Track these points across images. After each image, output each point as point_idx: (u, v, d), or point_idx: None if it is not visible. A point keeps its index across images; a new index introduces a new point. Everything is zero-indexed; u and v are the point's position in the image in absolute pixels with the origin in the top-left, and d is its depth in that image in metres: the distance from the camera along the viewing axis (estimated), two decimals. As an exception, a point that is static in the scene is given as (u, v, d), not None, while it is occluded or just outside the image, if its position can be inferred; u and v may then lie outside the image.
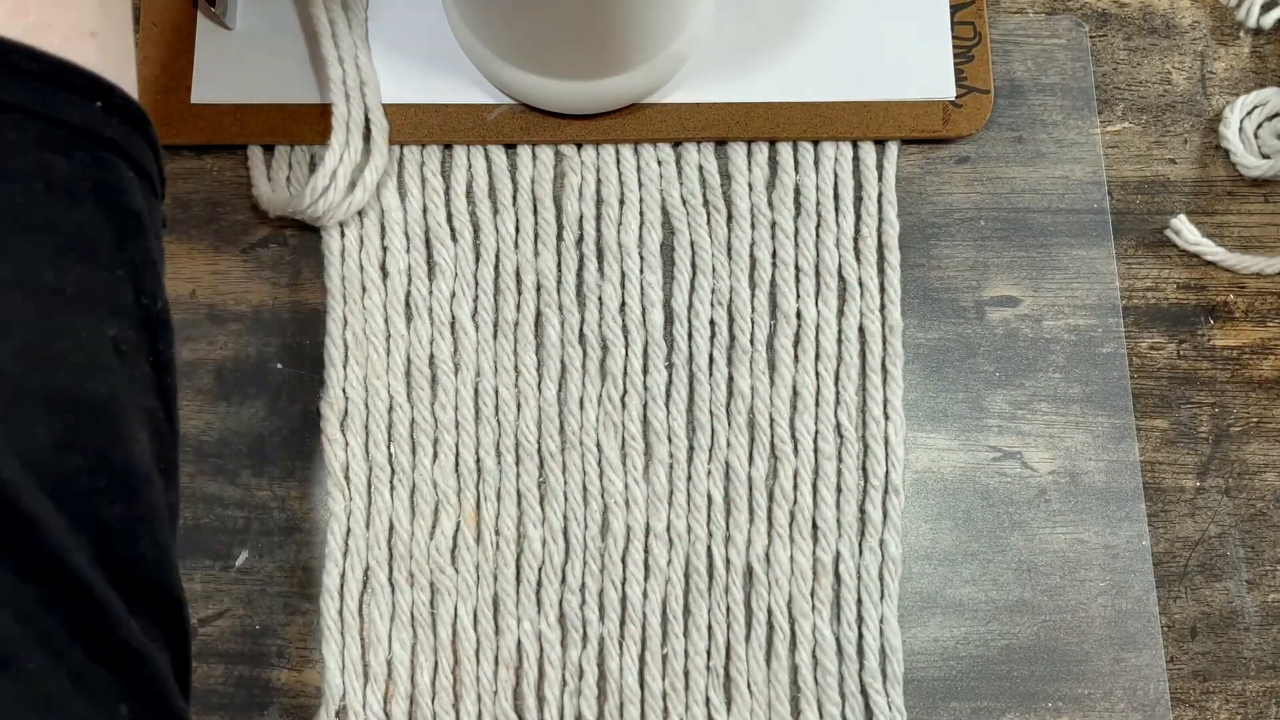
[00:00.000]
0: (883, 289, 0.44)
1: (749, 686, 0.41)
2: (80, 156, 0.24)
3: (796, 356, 0.44)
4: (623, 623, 0.42)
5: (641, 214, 0.45)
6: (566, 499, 0.43)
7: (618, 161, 0.45)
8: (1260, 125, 0.46)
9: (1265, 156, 0.45)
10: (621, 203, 0.45)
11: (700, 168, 0.45)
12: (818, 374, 0.44)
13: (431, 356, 0.44)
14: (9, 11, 0.24)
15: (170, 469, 0.26)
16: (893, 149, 0.45)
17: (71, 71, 0.25)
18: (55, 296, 0.23)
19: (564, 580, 0.42)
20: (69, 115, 0.24)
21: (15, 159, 0.23)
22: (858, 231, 0.45)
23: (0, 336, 0.21)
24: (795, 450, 0.43)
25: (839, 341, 0.44)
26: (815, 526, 0.42)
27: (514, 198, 0.45)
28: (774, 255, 0.45)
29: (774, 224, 0.45)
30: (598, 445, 0.43)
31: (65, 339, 0.23)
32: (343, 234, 0.44)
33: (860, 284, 0.44)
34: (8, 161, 0.23)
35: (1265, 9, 0.47)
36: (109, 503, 0.23)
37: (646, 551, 0.42)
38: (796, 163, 0.45)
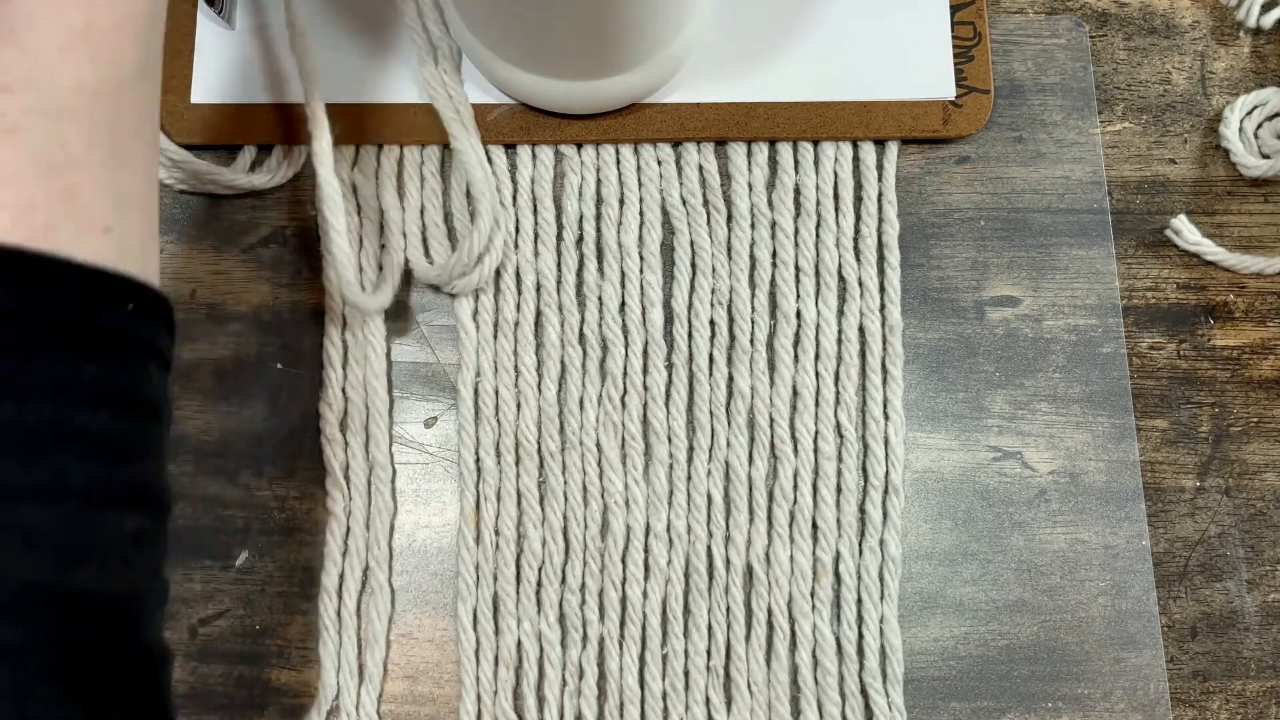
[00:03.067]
0: (883, 289, 0.44)
1: (749, 686, 0.41)
2: (110, 359, 0.25)
3: (796, 356, 0.44)
4: (623, 623, 0.42)
5: (641, 214, 0.45)
6: (566, 499, 0.43)
7: (618, 161, 0.45)
8: (1260, 125, 0.46)
9: (1265, 156, 0.45)
10: (621, 203, 0.45)
11: (700, 168, 0.45)
12: (818, 374, 0.44)
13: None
14: (15, 215, 0.25)
15: (161, 628, 0.28)
16: (893, 149, 0.45)
17: (106, 277, 0.26)
18: (81, 501, 0.24)
19: (564, 580, 0.42)
20: (103, 321, 0.25)
21: (50, 367, 0.24)
22: (858, 231, 0.45)
23: (32, 546, 0.23)
24: (795, 450, 0.43)
25: (839, 341, 0.44)
26: (815, 526, 0.42)
27: (514, 198, 0.45)
28: (774, 255, 0.45)
29: (774, 224, 0.45)
30: (598, 445, 0.43)
31: (91, 541, 0.24)
32: (343, 234, 0.44)
33: (860, 284, 0.44)
34: (43, 370, 0.24)
35: (1265, 9, 0.47)
36: (137, 686, 0.25)
37: (646, 551, 0.42)
38: (796, 163, 0.45)
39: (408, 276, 0.45)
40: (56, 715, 0.23)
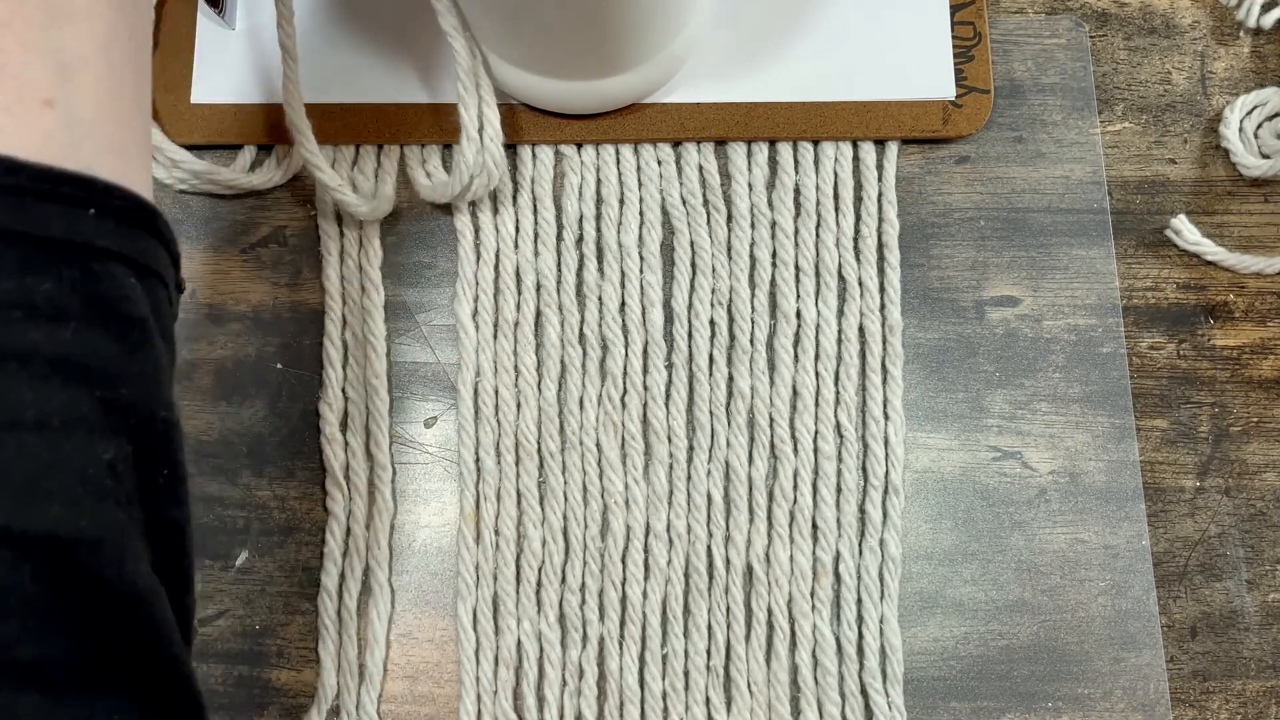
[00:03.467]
0: (883, 289, 0.44)
1: (749, 686, 0.41)
2: (68, 273, 0.22)
3: (796, 356, 0.44)
4: (623, 623, 0.42)
5: (641, 214, 0.45)
6: (566, 499, 0.43)
7: (618, 161, 0.45)
8: (1260, 125, 0.46)
9: (1265, 156, 0.45)
10: (621, 203, 0.45)
11: (700, 168, 0.45)
12: (818, 374, 0.44)
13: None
14: None
15: (180, 574, 0.25)
16: (893, 149, 0.45)
17: (57, 179, 0.22)
18: (39, 432, 0.21)
19: (564, 580, 0.42)
20: (53, 230, 0.22)
21: None
22: (858, 231, 0.45)
23: None
24: (795, 450, 0.43)
25: (839, 341, 0.44)
26: (815, 526, 0.42)
27: (514, 198, 0.45)
28: (774, 255, 0.45)
29: (774, 224, 0.45)
30: (598, 445, 0.43)
31: (53, 478, 0.21)
32: (342, 234, 0.44)
33: (860, 284, 0.44)
34: None
35: (1265, 9, 0.47)
36: (119, 625, 0.22)
37: (646, 551, 0.42)
38: (796, 163, 0.45)
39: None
40: (27, 651, 0.20)
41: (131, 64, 0.26)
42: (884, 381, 0.43)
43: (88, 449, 0.22)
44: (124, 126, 0.25)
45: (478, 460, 0.43)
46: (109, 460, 0.22)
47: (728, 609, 0.42)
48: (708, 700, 0.41)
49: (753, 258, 0.45)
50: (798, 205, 0.45)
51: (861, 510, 0.43)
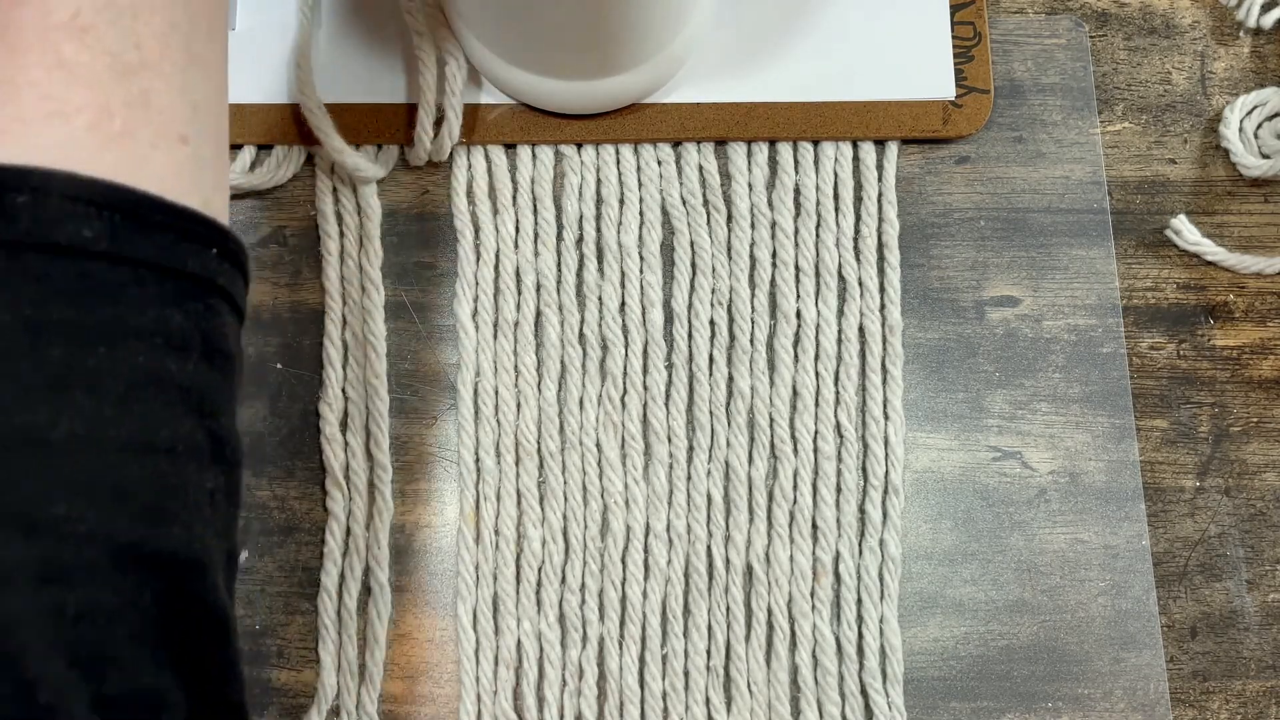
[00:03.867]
0: (883, 289, 0.44)
1: (749, 686, 0.41)
2: (194, 306, 0.24)
3: (796, 356, 0.44)
4: (623, 623, 0.42)
5: (641, 214, 0.45)
6: (566, 499, 0.43)
7: (618, 161, 0.45)
8: (1260, 125, 0.46)
9: (1265, 156, 0.45)
10: (621, 203, 0.45)
11: (700, 168, 0.45)
12: (818, 374, 0.44)
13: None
14: (91, 118, 0.24)
15: (234, 592, 0.26)
16: (893, 149, 0.45)
17: (194, 220, 0.25)
18: (169, 456, 0.23)
19: (564, 580, 0.42)
20: (191, 267, 0.24)
21: (138, 315, 0.23)
22: (858, 231, 0.45)
23: (119, 505, 0.22)
24: (795, 450, 0.43)
25: (839, 341, 0.44)
26: (815, 526, 0.42)
27: (514, 198, 0.45)
28: (774, 255, 0.45)
29: (774, 224, 0.45)
30: (598, 445, 0.43)
31: (176, 499, 0.23)
32: (342, 234, 0.44)
33: (860, 284, 0.44)
34: (130, 318, 0.23)
35: (1265, 9, 0.47)
36: (210, 650, 0.23)
37: (646, 551, 0.42)
38: (796, 163, 0.45)
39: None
40: (145, 682, 0.22)
41: (226, 109, 0.28)
42: (884, 381, 0.43)
43: (200, 477, 0.24)
44: (226, 165, 0.28)
45: (478, 460, 0.43)
46: (210, 489, 0.24)
47: (728, 609, 0.42)
48: (708, 700, 0.41)
49: (753, 258, 0.45)
50: (798, 205, 0.45)
51: (861, 510, 0.43)
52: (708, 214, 0.45)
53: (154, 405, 0.23)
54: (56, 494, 0.21)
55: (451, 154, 0.45)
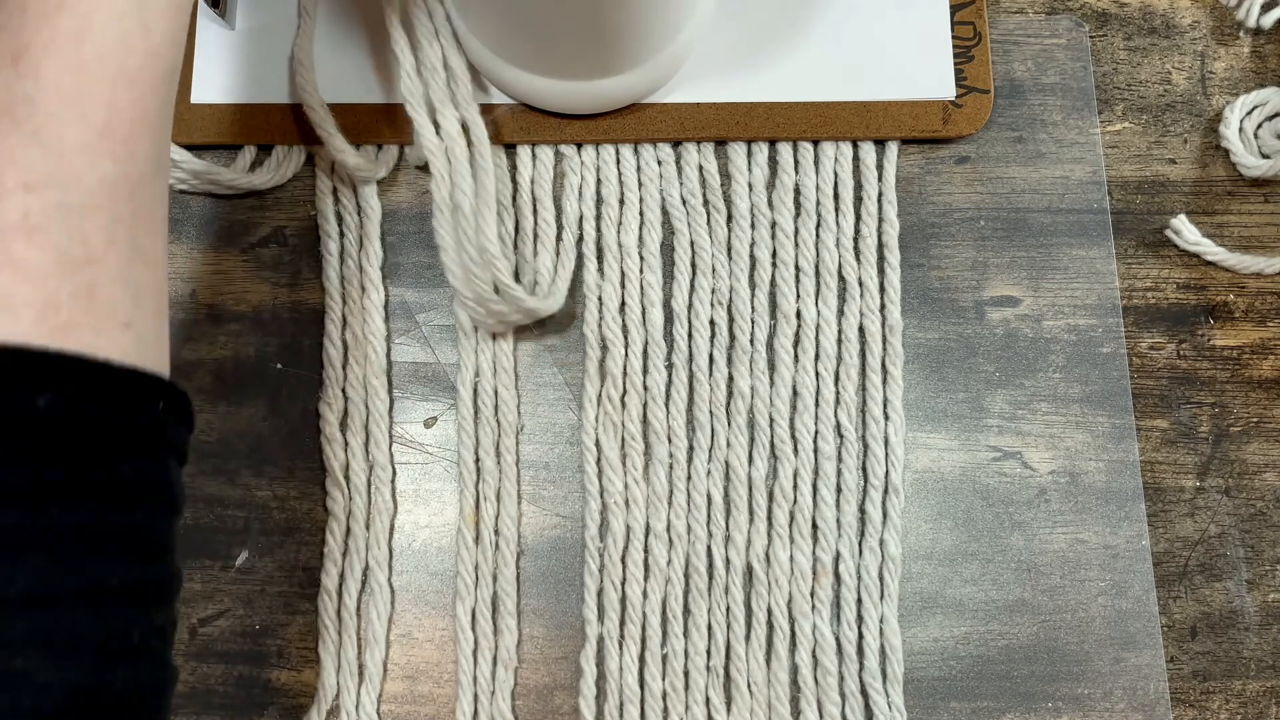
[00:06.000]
0: (883, 289, 0.44)
1: (749, 686, 0.41)
2: (144, 460, 0.26)
3: (796, 356, 0.44)
4: (622, 623, 0.42)
5: (641, 214, 0.45)
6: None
7: (618, 161, 0.45)
8: (1260, 125, 0.46)
9: (1265, 156, 0.45)
10: (621, 203, 0.45)
11: (700, 168, 0.45)
12: (818, 374, 0.44)
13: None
14: (38, 312, 0.25)
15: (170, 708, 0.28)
16: (893, 149, 0.45)
17: (141, 378, 0.27)
18: (119, 599, 0.25)
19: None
20: (139, 423, 0.26)
21: (92, 471, 0.25)
22: (858, 231, 0.45)
23: (73, 654, 0.24)
24: (795, 450, 0.43)
25: (839, 341, 0.44)
26: (815, 526, 0.42)
27: (514, 198, 0.45)
28: (774, 255, 0.45)
29: (774, 224, 0.45)
30: (597, 445, 0.43)
31: (128, 638, 0.25)
32: (342, 234, 0.44)
33: (860, 284, 0.44)
34: (86, 474, 0.25)
35: (1265, 9, 0.47)
36: None
37: (646, 551, 0.42)
38: (796, 163, 0.45)
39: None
40: None
41: (166, 291, 0.30)
42: (884, 381, 0.43)
43: (148, 614, 0.26)
44: (165, 341, 0.29)
45: (478, 460, 0.43)
46: (159, 626, 0.26)
47: (728, 609, 0.42)
48: (708, 700, 0.41)
49: (753, 258, 0.45)
50: (798, 205, 0.45)
51: (861, 510, 0.43)
52: (708, 214, 0.45)
53: (103, 557, 0.25)
54: (13, 649, 0.23)
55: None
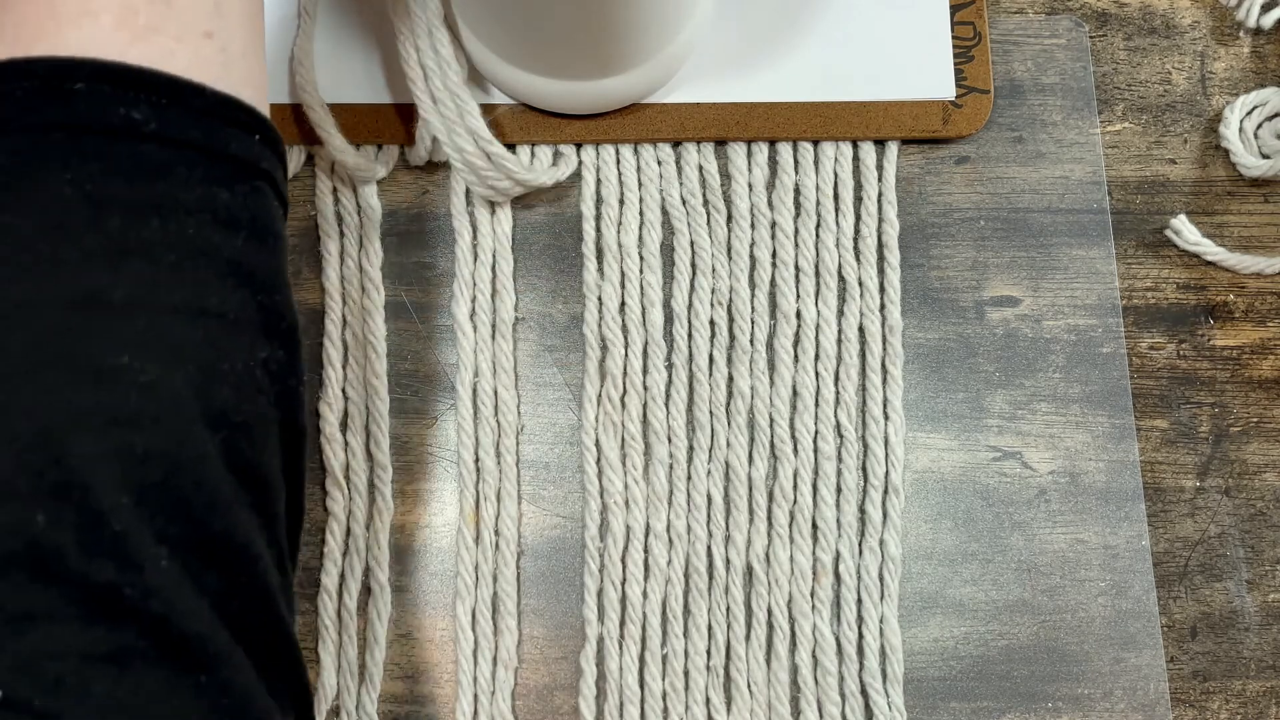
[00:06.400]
0: (883, 289, 0.44)
1: (749, 686, 0.41)
2: (240, 189, 0.26)
3: (796, 356, 0.44)
4: (622, 623, 0.42)
5: (641, 214, 0.45)
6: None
7: (618, 161, 0.45)
8: (1260, 125, 0.46)
9: (1265, 156, 0.45)
10: (621, 203, 0.45)
11: (700, 168, 0.45)
12: (818, 374, 0.44)
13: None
14: (118, 17, 0.25)
15: (297, 475, 0.28)
16: (893, 149, 0.45)
17: (235, 106, 0.26)
18: (220, 321, 0.25)
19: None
20: (234, 150, 0.26)
21: (187, 192, 0.25)
22: (858, 231, 0.45)
23: (176, 361, 0.23)
24: (795, 450, 0.43)
25: (839, 341, 0.44)
26: (815, 526, 0.42)
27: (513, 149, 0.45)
28: (774, 255, 0.45)
29: (774, 224, 0.45)
30: (597, 445, 0.43)
31: (228, 362, 0.25)
32: (342, 234, 0.44)
33: (860, 284, 0.44)
34: (180, 195, 0.25)
35: (1265, 9, 0.47)
36: (253, 510, 0.25)
37: (646, 551, 0.42)
38: (796, 163, 0.45)
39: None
40: (215, 527, 0.23)
41: (259, 7, 0.29)
42: (884, 381, 0.43)
43: (251, 345, 0.25)
44: (258, 62, 0.28)
45: (478, 460, 0.43)
46: (264, 359, 0.26)
47: (728, 609, 0.42)
48: (708, 700, 0.41)
49: (753, 258, 0.45)
50: (798, 205, 0.45)
51: (861, 510, 0.43)
52: (708, 214, 0.45)
53: (204, 274, 0.25)
54: (120, 348, 0.23)
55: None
